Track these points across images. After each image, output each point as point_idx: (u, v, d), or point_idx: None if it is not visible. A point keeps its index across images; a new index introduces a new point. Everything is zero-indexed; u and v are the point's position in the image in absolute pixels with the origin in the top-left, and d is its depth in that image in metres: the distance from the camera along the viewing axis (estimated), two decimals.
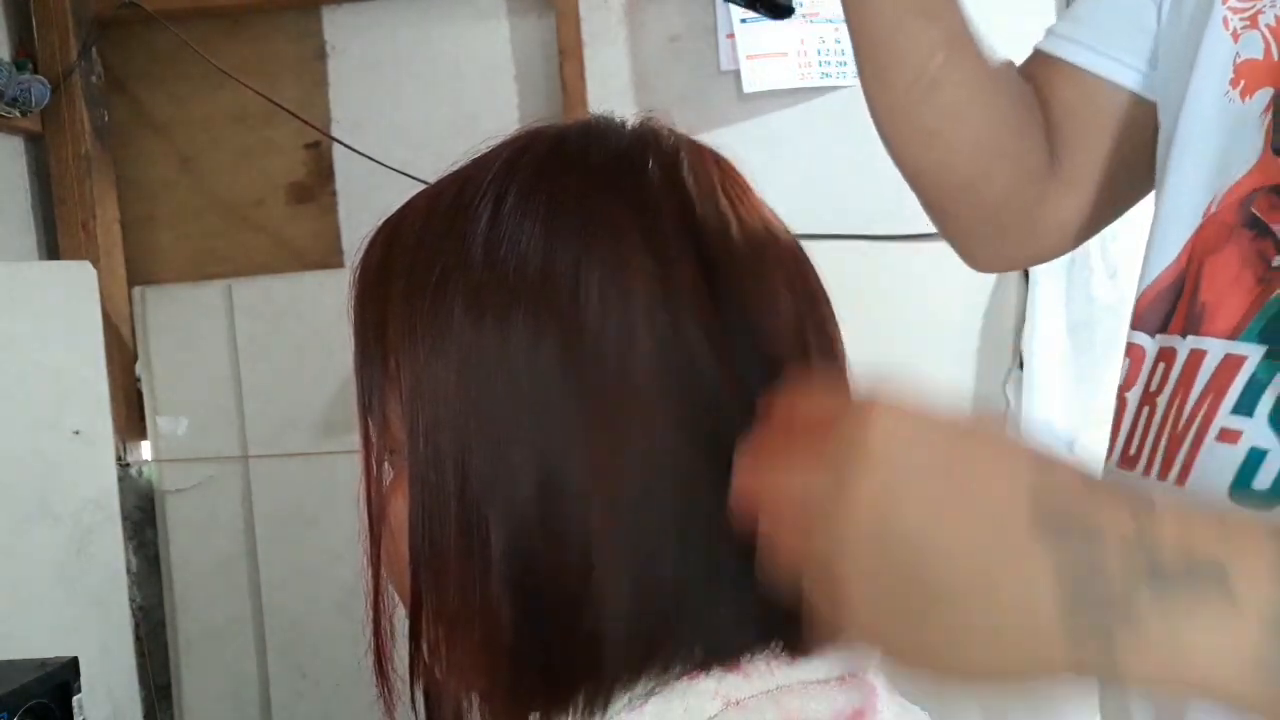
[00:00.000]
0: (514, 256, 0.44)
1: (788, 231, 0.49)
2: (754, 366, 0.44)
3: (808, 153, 1.96)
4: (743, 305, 0.45)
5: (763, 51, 1.88)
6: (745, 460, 0.41)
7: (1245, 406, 0.58)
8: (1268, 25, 0.62)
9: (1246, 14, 0.63)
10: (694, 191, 0.46)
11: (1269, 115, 0.61)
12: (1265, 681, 0.32)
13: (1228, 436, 0.58)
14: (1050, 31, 0.79)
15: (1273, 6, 0.62)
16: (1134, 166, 0.73)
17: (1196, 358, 0.62)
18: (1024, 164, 0.76)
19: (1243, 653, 0.32)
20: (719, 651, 0.44)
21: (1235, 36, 0.63)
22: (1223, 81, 0.63)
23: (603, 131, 0.48)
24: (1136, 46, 0.71)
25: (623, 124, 0.49)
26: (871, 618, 0.37)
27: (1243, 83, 0.63)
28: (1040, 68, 0.79)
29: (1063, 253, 0.82)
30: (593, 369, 0.43)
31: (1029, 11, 1.94)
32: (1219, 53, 0.63)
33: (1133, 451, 0.66)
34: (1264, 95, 0.61)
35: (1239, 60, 0.63)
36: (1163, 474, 0.62)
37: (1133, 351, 0.74)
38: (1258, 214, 0.60)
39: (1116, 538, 0.33)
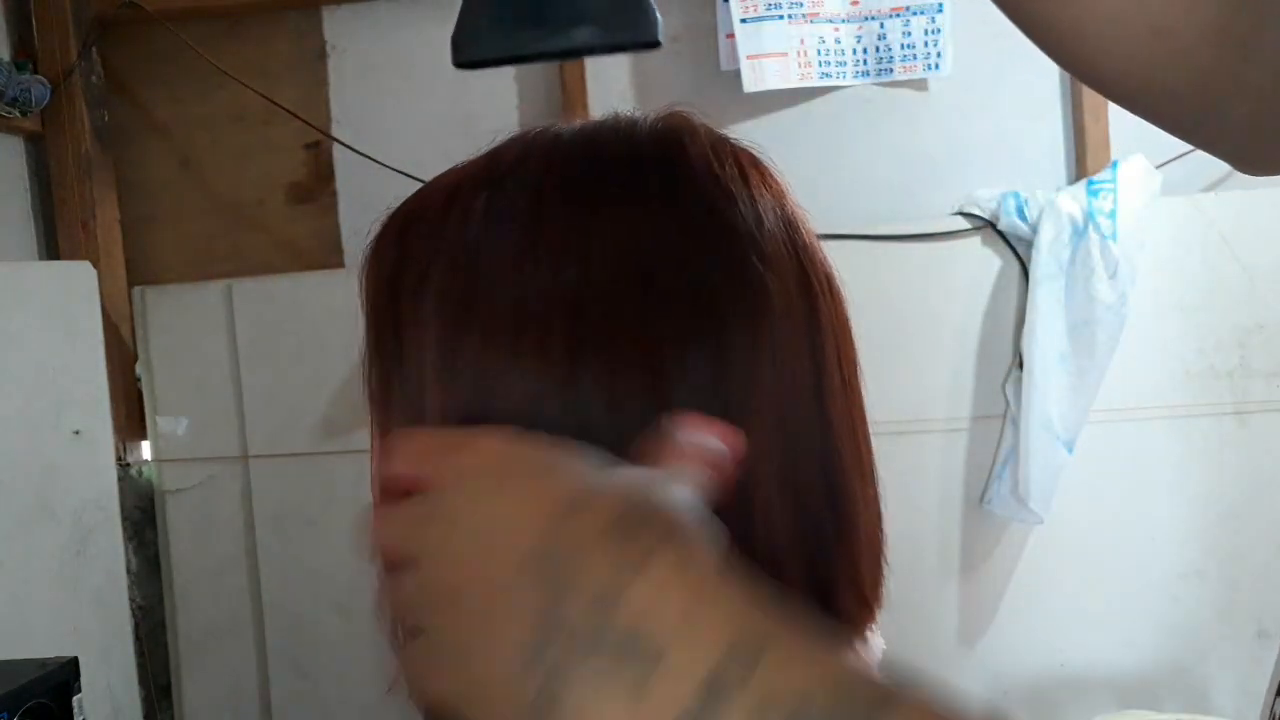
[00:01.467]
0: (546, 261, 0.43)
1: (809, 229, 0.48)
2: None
3: (808, 153, 1.96)
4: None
5: (763, 51, 1.88)
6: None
7: None
8: None
9: None
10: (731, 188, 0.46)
11: None
12: None
13: None
14: None
15: None
16: None
17: None
18: (1212, 30, 0.53)
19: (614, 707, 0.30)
20: None
21: None
22: None
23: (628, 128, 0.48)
24: None
25: (644, 119, 0.48)
26: (425, 667, 0.36)
27: None
28: None
29: None
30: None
31: None
32: None
33: None
34: None
35: None
36: None
37: None
38: None
39: (588, 595, 0.31)
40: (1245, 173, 0.61)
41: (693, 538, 0.33)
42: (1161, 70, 0.55)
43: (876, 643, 0.48)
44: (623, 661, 0.31)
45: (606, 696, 0.31)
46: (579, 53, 0.48)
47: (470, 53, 0.45)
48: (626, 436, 0.40)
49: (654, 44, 0.48)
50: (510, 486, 0.35)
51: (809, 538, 0.44)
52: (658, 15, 0.47)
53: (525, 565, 0.33)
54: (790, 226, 0.47)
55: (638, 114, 0.49)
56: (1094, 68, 0.56)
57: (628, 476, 0.36)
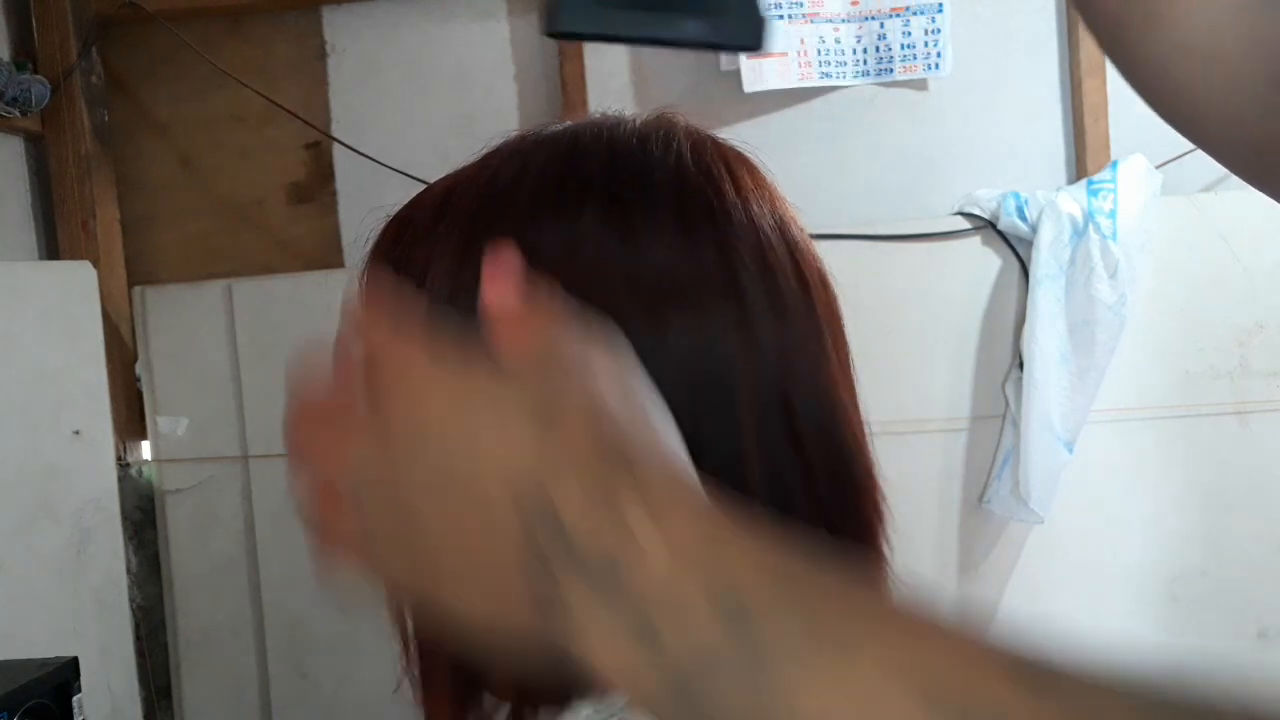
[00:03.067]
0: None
1: (803, 232, 0.49)
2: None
3: (808, 153, 1.96)
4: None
5: (763, 52, 1.88)
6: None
7: None
8: None
9: None
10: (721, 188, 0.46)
11: None
12: (632, 676, 0.32)
13: None
14: None
15: None
16: None
17: None
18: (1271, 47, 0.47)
19: (617, 642, 0.32)
20: None
21: None
22: None
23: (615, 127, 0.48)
24: None
25: (634, 119, 0.49)
26: (372, 540, 0.37)
27: None
28: None
29: None
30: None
31: (1029, 11, 1.94)
32: None
33: None
34: None
35: None
36: None
37: None
38: None
39: (569, 512, 0.33)
40: None
41: (646, 459, 0.34)
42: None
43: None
44: (593, 574, 0.32)
45: (591, 607, 0.32)
46: (679, 44, 0.45)
47: (567, 23, 0.42)
48: None
49: (755, 47, 0.46)
50: (477, 400, 0.35)
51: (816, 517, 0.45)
52: (765, 19, 0.45)
53: (508, 481, 0.34)
54: (781, 223, 0.47)
55: (625, 114, 0.49)
56: (1194, 119, 0.49)
57: (581, 378, 0.36)
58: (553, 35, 0.43)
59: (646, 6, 0.43)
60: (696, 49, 0.47)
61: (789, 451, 0.45)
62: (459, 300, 0.44)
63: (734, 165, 0.48)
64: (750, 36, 0.45)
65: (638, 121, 0.49)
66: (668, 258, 0.44)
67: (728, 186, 0.47)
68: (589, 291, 0.43)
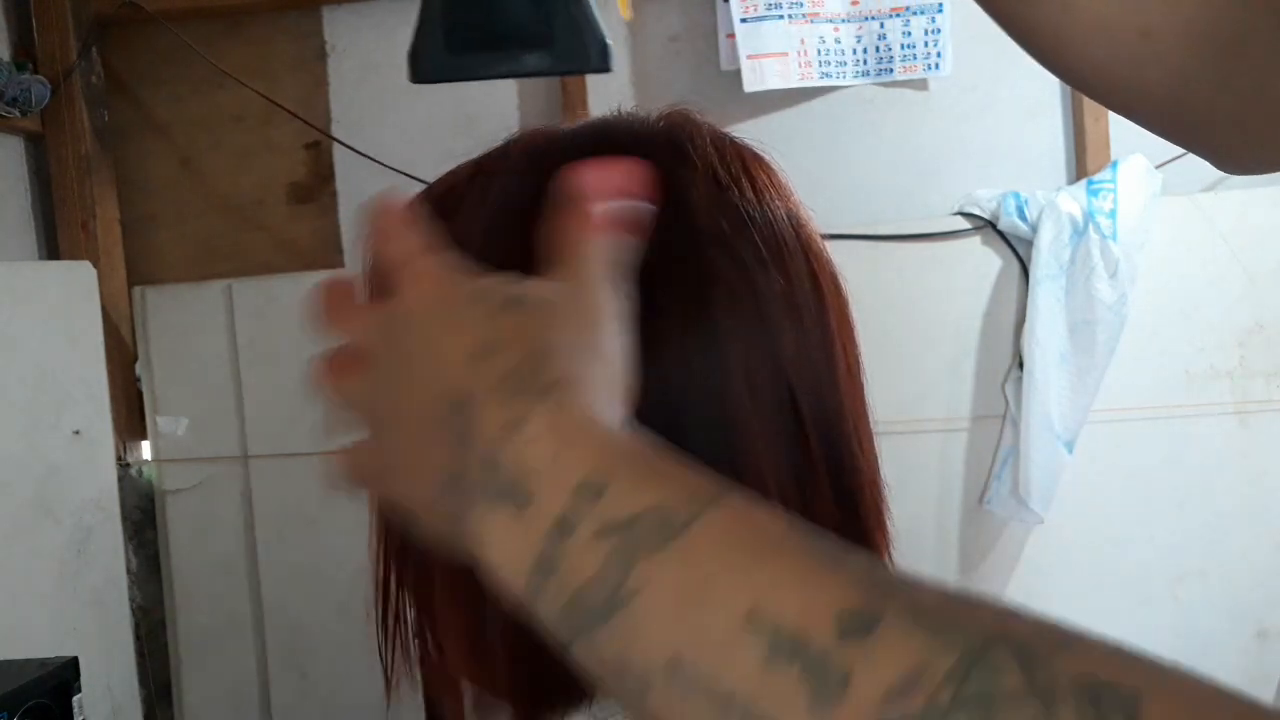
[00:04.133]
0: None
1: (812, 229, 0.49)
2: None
3: (808, 153, 1.96)
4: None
5: (763, 51, 1.88)
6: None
7: None
8: None
9: None
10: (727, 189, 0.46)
11: None
12: (533, 587, 0.34)
13: None
14: None
15: None
16: None
17: None
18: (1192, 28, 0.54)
19: (523, 557, 0.34)
20: None
21: None
22: None
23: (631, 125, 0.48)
24: None
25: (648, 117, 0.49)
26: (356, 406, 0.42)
27: None
28: None
29: None
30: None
31: None
32: None
33: None
34: None
35: None
36: None
37: None
38: None
39: (479, 446, 0.36)
40: (1227, 171, 0.62)
41: (571, 393, 0.36)
42: (1146, 69, 0.56)
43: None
44: (502, 507, 0.35)
45: (492, 539, 0.35)
46: (529, 75, 0.51)
47: (425, 74, 0.48)
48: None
49: (603, 70, 0.50)
50: (449, 314, 0.39)
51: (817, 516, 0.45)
52: (608, 42, 0.50)
53: (442, 403, 0.37)
54: (796, 223, 0.47)
55: (641, 111, 0.49)
56: (1078, 69, 0.57)
57: (540, 315, 0.39)
58: (417, 82, 0.49)
59: (492, 48, 0.48)
60: (550, 75, 0.55)
61: (794, 453, 0.45)
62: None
63: (751, 166, 0.48)
64: (592, 60, 0.50)
65: (657, 119, 0.49)
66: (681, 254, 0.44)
67: (746, 187, 0.46)
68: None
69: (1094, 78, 0.58)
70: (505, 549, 0.34)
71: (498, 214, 0.45)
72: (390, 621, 0.48)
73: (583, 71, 0.52)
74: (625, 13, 1.92)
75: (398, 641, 0.48)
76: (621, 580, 0.32)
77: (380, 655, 0.49)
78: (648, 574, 0.32)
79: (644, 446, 0.35)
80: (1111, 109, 0.60)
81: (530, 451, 0.35)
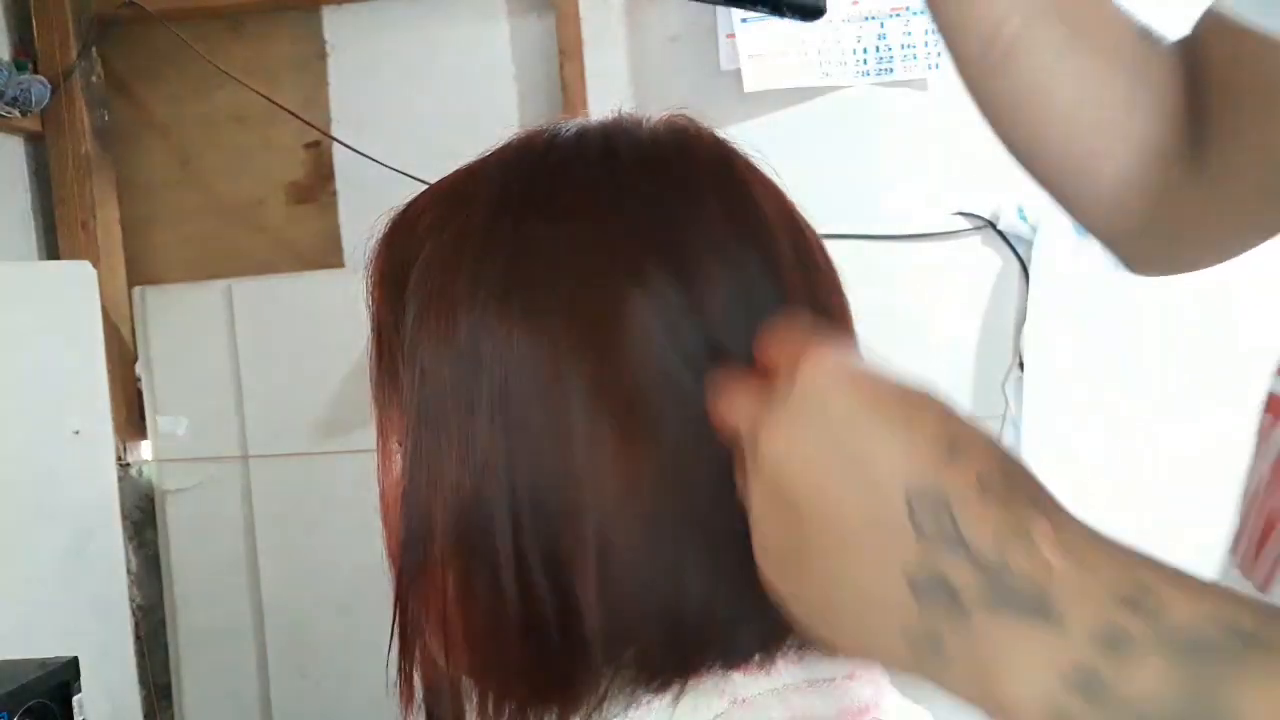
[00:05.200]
0: (543, 262, 0.44)
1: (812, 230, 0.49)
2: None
3: (808, 153, 1.96)
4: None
5: (763, 51, 1.88)
6: (720, 389, 0.41)
7: None
8: None
9: None
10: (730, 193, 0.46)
11: None
12: (1068, 709, 0.31)
13: None
14: None
15: None
16: None
17: None
18: (1145, 144, 0.64)
19: (1042, 677, 0.31)
20: (734, 654, 0.43)
21: None
22: None
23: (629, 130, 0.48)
24: None
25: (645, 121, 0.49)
26: (770, 563, 0.38)
27: None
28: (1204, 33, 0.62)
29: (1212, 262, 0.71)
30: (618, 385, 0.42)
31: None
32: None
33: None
34: None
35: None
36: None
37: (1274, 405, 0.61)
38: None
39: (980, 553, 0.33)
40: (1131, 271, 0.74)
41: (1054, 500, 0.34)
42: (1099, 160, 0.65)
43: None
44: (1019, 618, 0.32)
45: (1008, 650, 0.32)
46: (755, 7, 0.55)
47: None
48: None
49: (819, 13, 0.53)
50: (886, 414, 0.35)
51: None
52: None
53: (906, 504, 0.34)
54: (795, 232, 0.47)
55: (640, 116, 0.49)
56: (1037, 149, 0.67)
57: (974, 422, 0.36)
58: None
59: None
60: (769, 13, 0.58)
61: None
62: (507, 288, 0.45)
63: (748, 176, 0.48)
64: (814, 5, 0.56)
65: (659, 124, 0.49)
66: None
67: (748, 191, 0.47)
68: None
69: (1050, 160, 0.64)
70: (1029, 663, 0.31)
71: (498, 214, 0.45)
72: (410, 635, 0.47)
73: (803, 17, 0.57)
74: None
75: (416, 655, 0.47)
76: (1210, 697, 0.29)
77: (400, 673, 0.48)
78: (1239, 690, 0.29)
79: (1152, 557, 0.33)
80: (1057, 199, 0.70)
81: (1044, 559, 0.32)
